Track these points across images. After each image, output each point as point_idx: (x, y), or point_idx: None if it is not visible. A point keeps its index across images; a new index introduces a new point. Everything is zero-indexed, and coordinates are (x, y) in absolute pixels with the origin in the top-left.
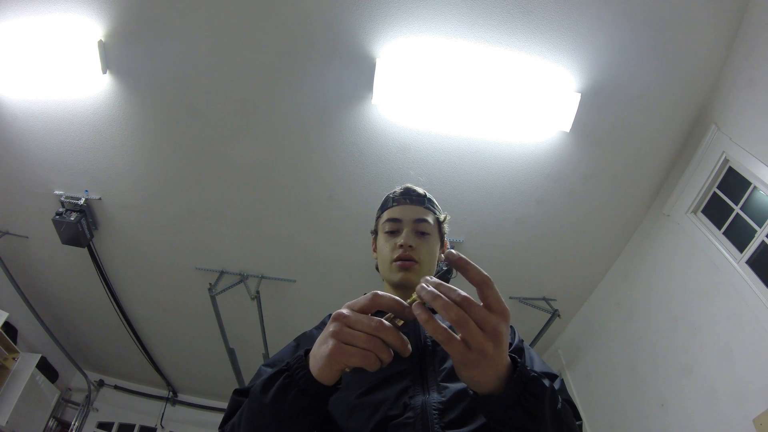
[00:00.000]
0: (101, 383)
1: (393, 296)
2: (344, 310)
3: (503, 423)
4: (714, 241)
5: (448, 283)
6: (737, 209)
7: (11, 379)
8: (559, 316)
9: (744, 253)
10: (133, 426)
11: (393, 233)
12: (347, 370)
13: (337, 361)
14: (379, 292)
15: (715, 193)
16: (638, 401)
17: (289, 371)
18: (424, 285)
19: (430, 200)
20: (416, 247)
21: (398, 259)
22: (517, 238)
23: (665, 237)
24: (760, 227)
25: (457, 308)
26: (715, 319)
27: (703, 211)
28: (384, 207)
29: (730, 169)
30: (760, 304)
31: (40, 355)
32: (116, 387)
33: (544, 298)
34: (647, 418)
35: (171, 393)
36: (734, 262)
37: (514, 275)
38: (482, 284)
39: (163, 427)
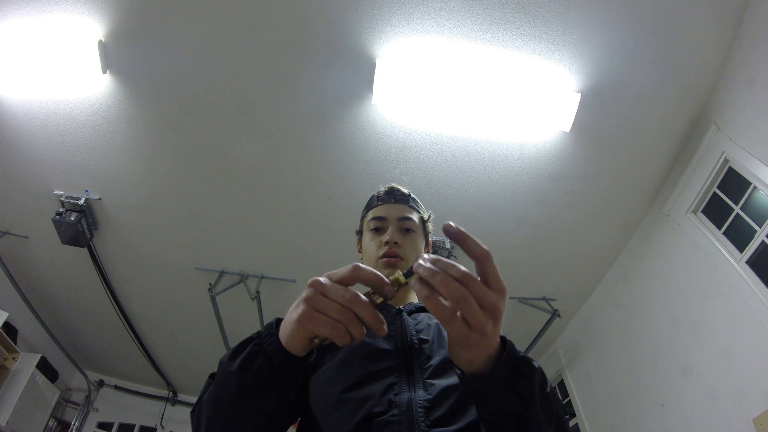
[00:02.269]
0: (101, 383)
1: (374, 270)
2: (321, 278)
3: (492, 404)
4: (714, 241)
5: None
6: (737, 209)
7: (11, 379)
8: (559, 316)
9: (744, 253)
10: (133, 426)
11: (378, 231)
12: (317, 342)
13: (304, 327)
14: (361, 264)
15: (715, 193)
16: (638, 401)
17: (259, 338)
18: (421, 261)
19: (414, 199)
20: (401, 244)
21: (384, 256)
22: (517, 238)
23: (665, 237)
24: (760, 227)
25: (458, 285)
26: (715, 319)
27: (703, 211)
28: (369, 206)
29: (730, 169)
30: (760, 304)
31: (40, 355)
32: (116, 387)
33: (544, 298)
34: (647, 418)
35: (171, 393)
36: (734, 262)
37: (514, 275)
38: (482, 259)
39: (163, 427)
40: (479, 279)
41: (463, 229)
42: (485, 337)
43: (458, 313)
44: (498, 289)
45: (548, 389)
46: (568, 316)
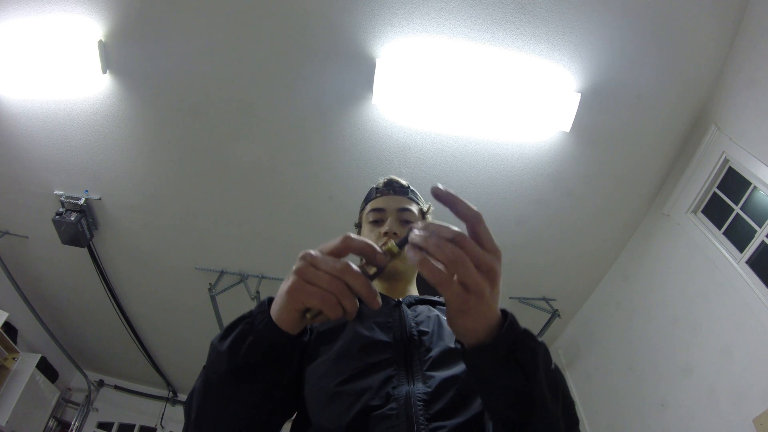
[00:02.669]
0: (101, 383)
1: (365, 240)
2: (312, 251)
3: (494, 380)
4: (714, 241)
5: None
6: (737, 209)
7: (11, 379)
8: (559, 316)
9: (744, 253)
10: (133, 426)
11: (377, 223)
12: (309, 316)
13: (294, 298)
14: (351, 234)
15: (715, 193)
16: (638, 401)
17: (250, 317)
18: (415, 230)
19: (413, 191)
20: (400, 235)
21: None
22: (517, 238)
23: (665, 237)
24: (760, 227)
25: (453, 246)
26: (715, 319)
27: (703, 211)
28: (368, 199)
29: (730, 169)
30: (760, 304)
31: (40, 355)
32: (116, 387)
33: (544, 298)
34: (647, 418)
35: (171, 393)
36: (734, 262)
37: (514, 275)
38: (474, 220)
39: (163, 427)
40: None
41: (451, 191)
42: (483, 301)
43: (455, 277)
44: (492, 251)
45: (553, 366)
46: (568, 316)
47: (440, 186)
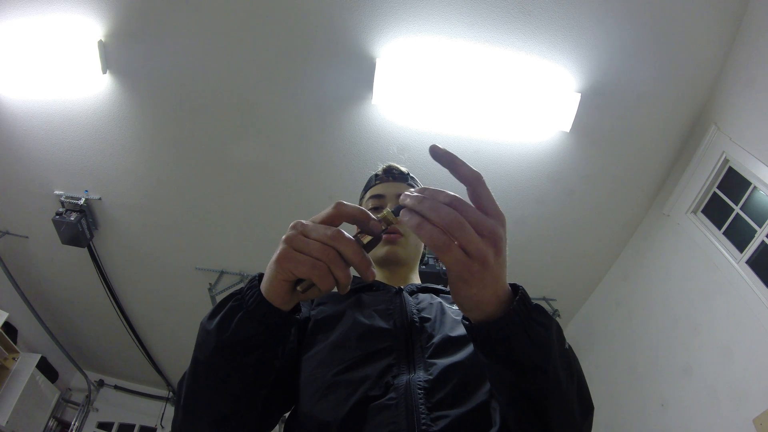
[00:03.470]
0: (101, 383)
1: (358, 206)
2: (303, 220)
3: (504, 357)
4: (714, 241)
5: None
6: (737, 209)
7: (11, 379)
8: (559, 316)
9: (744, 253)
10: (133, 426)
11: (377, 209)
12: (299, 289)
13: (283, 267)
14: (344, 201)
15: (715, 193)
16: (638, 401)
17: (240, 293)
18: (407, 192)
19: (412, 178)
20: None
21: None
22: (517, 238)
23: (665, 237)
24: (760, 227)
25: (449, 209)
26: (715, 319)
27: (703, 211)
28: (367, 187)
29: (730, 169)
30: (760, 304)
31: (40, 355)
32: (116, 387)
33: (544, 298)
34: (647, 418)
35: (171, 393)
36: (734, 262)
37: (514, 275)
38: (475, 181)
39: (163, 427)
40: (474, 206)
41: (450, 151)
42: (488, 269)
43: (455, 242)
44: (495, 214)
45: (566, 346)
46: (568, 316)
47: (439, 145)
